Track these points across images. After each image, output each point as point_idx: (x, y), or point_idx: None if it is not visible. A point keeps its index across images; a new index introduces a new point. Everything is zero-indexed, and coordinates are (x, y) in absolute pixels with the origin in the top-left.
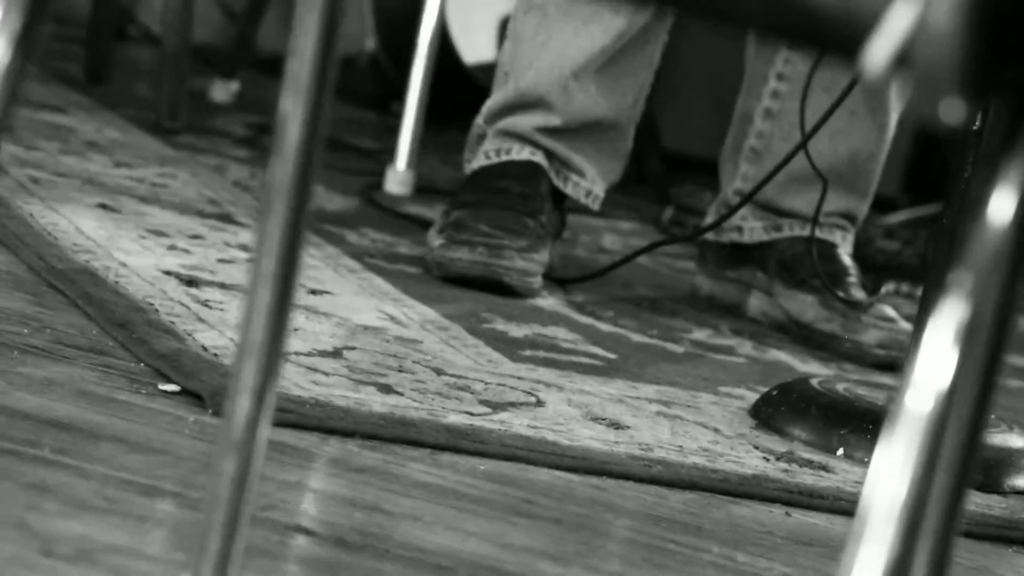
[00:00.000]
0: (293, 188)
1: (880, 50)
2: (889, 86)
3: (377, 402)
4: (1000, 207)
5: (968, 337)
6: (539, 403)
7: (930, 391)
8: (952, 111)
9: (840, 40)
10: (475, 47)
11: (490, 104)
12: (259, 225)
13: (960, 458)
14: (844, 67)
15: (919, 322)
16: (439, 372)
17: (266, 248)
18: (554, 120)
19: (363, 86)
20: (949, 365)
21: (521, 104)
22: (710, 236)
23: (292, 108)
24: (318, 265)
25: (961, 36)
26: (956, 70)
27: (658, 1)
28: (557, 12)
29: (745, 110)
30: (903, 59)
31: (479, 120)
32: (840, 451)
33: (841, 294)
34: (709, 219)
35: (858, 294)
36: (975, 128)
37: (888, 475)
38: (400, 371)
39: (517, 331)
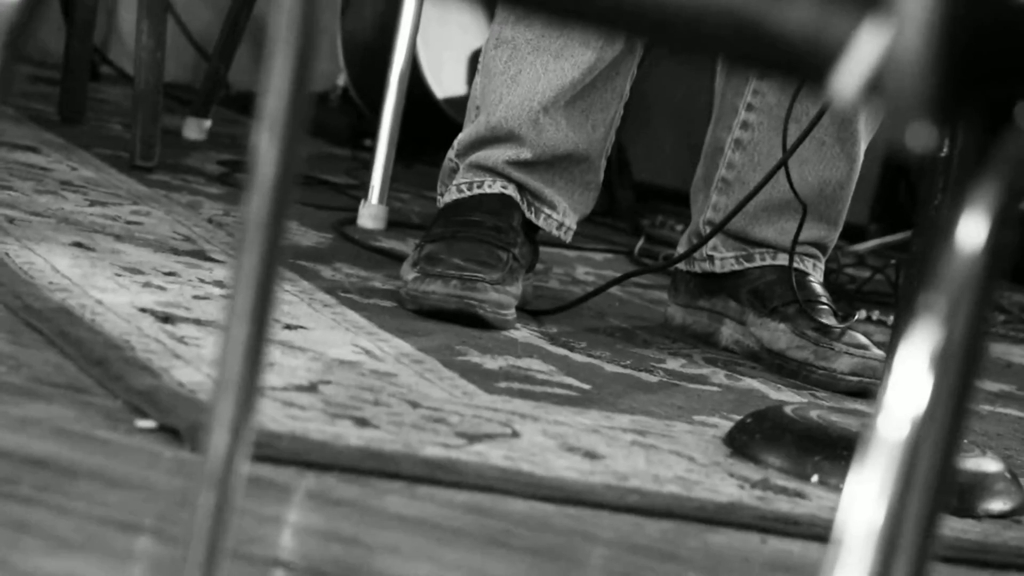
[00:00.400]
0: (269, 223)
1: (849, 76)
2: (858, 116)
3: (354, 435)
4: (970, 231)
5: (941, 362)
6: (515, 434)
7: (903, 416)
8: (921, 136)
9: (809, 67)
10: (446, 82)
11: (462, 138)
12: (235, 260)
13: (934, 482)
14: (815, 95)
15: (891, 348)
16: (415, 405)
17: (242, 283)
18: (525, 153)
19: (335, 123)
20: (922, 390)
21: (492, 138)
22: (682, 266)
23: (267, 144)
24: (293, 300)
25: (929, 62)
26: (925, 95)
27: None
28: (527, 47)
29: (716, 141)
30: (872, 85)
31: (451, 154)
32: (815, 478)
33: (814, 324)
34: (681, 249)
35: (830, 322)
36: (943, 155)
37: (863, 500)
38: (376, 404)
39: (492, 363)
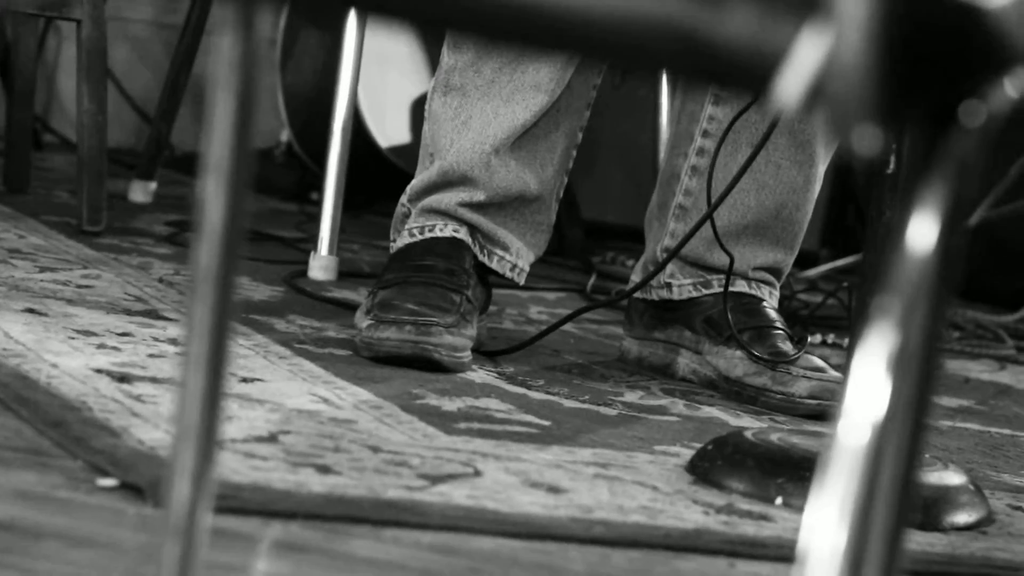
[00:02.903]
0: (219, 271)
1: (791, 84)
2: (815, 138)
3: (316, 483)
4: (920, 234)
5: (897, 367)
6: (477, 473)
7: (863, 423)
8: (866, 140)
9: (751, 76)
10: (389, 131)
11: (414, 183)
12: (188, 310)
13: (898, 492)
14: (765, 116)
15: (848, 370)
16: (375, 450)
17: (196, 332)
18: (478, 195)
19: (281, 178)
20: (880, 396)
21: (445, 182)
22: (639, 295)
23: (213, 194)
24: (248, 354)
25: (871, 64)
26: (868, 99)
27: (569, 48)
28: (477, 93)
29: (671, 168)
30: (815, 91)
31: (403, 200)
32: (779, 500)
33: (770, 349)
34: (635, 279)
35: (785, 347)
36: (890, 171)
37: (826, 518)
38: (337, 451)
39: (450, 405)
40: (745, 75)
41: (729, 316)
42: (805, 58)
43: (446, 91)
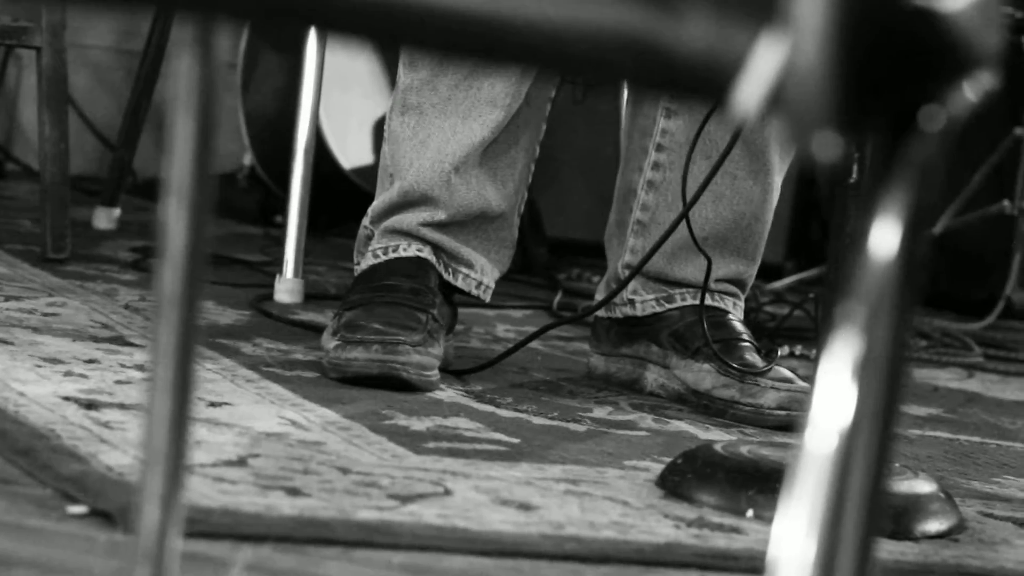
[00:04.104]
0: (183, 294)
1: (749, 92)
2: (771, 147)
3: (286, 505)
4: (882, 239)
5: (863, 373)
6: (447, 492)
7: (831, 430)
8: (826, 147)
9: (709, 85)
10: (352, 152)
11: (375, 205)
12: (153, 333)
13: (868, 501)
14: (723, 128)
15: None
16: (345, 471)
17: (162, 356)
18: (439, 215)
19: (245, 202)
20: (847, 405)
21: (406, 202)
22: (603, 313)
23: (174, 216)
24: (215, 378)
25: (829, 70)
26: (827, 105)
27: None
28: (434, 111)
29: (627, 184)
30: (774, 98)
31: (365, 221)
32: (750, 512)
33: (737, 361)
34: (599, 296)
35: (753, 359)
36: (852, 181)
37: (796, 528)
38: (306, 473)
39: (419, 424)
40: (703, 84)
41: (705, 326)
42: (763, 66)
43: (403, 110)
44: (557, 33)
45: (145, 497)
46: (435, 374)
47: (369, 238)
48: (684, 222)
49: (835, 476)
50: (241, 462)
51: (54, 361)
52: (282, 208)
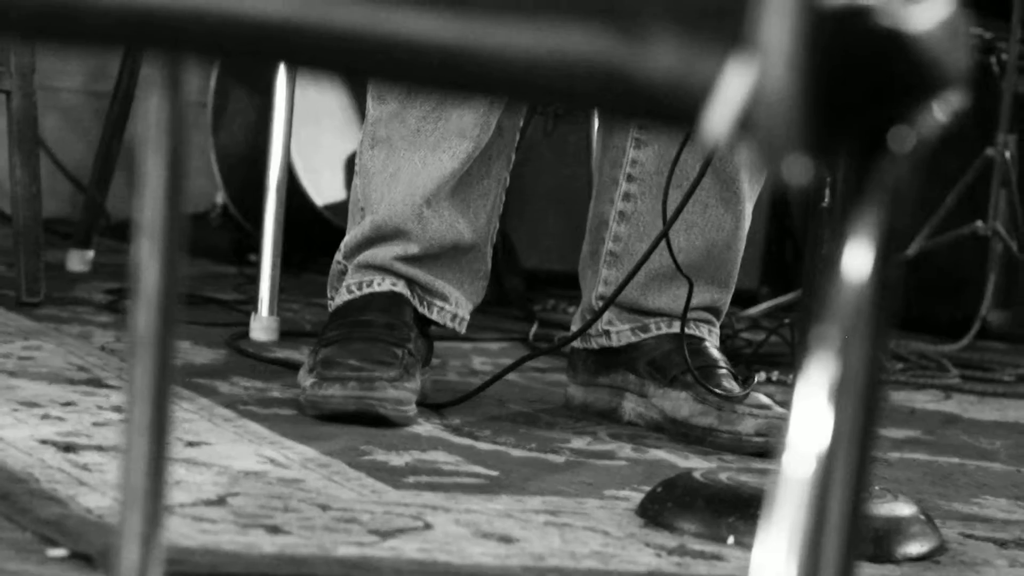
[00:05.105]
0: (158, 334)
1: (719, 118)
2: (741, 175)
3: (267, 543)
4: (855, 261)
5: (840, 397)
6: (427, 527)
7: (809, 457)
8: (797, 171)
9: (678, 112)
10: (324, 188)
11: (347, 240)
12: (129, 374)
13: (848, 524)
14: (695, 158)
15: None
16: (325, 508)
17: (138, 397)
18: (412, 248)
19: (218, 240)
20: (825, 428)
21: (378, 236)
22: (579, 344)
23: (147, 255)
24: (192, 418)
25: (798, 94)
26: (796, 129)
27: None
28: (403, 143)
29: (599, 215)
30: (744, 123)
31: (338, 257)
32: (730, 539)
33: (715, 389)
34: (575, 327)
35: (730, 385)
36: (824, 205)
37: (776, 553)
38: (286, 511)
39: (398, 459)
40: (671, 111)
41: (686, 351)
42: (732, 91)
43: (373, 143)
44: (524, 63)
45: (124, 538)
46: (412, 408)
47: (342, 273)
48: (662, 249)
49: (815, 501)
50: (220, 501)
51: (31, 405)
52: (255, 246)
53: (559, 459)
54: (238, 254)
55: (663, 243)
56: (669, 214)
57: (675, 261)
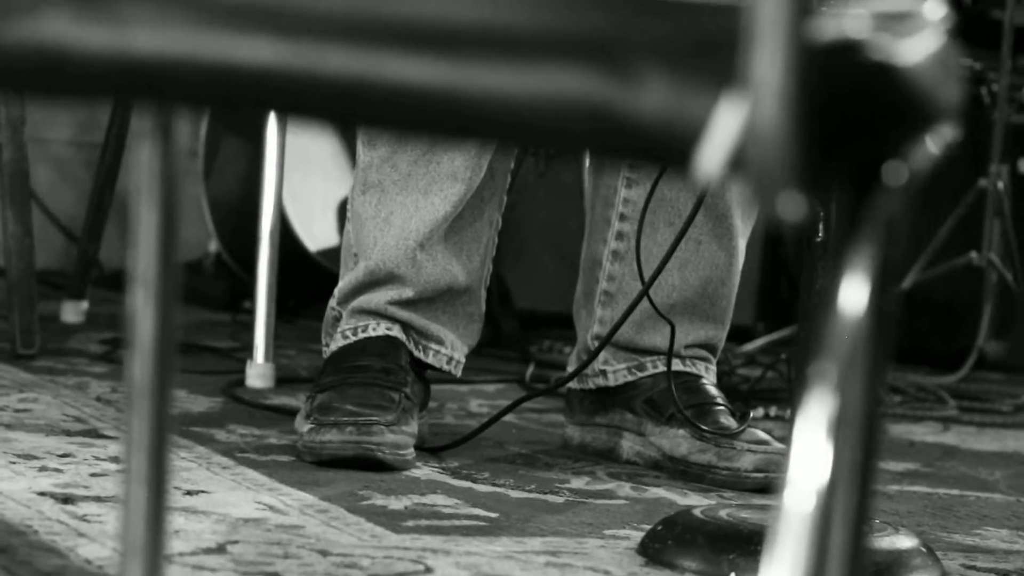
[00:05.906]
0: (154, 383)
1: (711, 156)
2: (733, 211)
3: None
4: (852, 295)
5: (839, 431)
6: (428, 570)
7: (809, 492)
8: (790, 207)
9: (671, 151)
10: (317, 234)
11: (341, 286)
12: (126, 424)
13: (849, 558)
14: (687, 193)
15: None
16: (324, 553)
17: (136, 446)
18: (407, 292)
19: (212, 288)
20: (824, 462)
21: (372, 281)
22: (575, 385)
23: (142, 304)
24: (190, 466)
25: (790, 130)
26: (789, 165)
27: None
28: (395, 188)
29: (592, 256)
30: (737, 161)
31: (332, 303)
32: (732, 575)
33: (713, 426)
34: (571, 368)
35: (728, 422)
36: (819, 239)
37: None
38: (286, 557)
39: (397, 503)
40: (664, 150)
41: (674, 391)
42: (724, 129)
43: (364, 189)
44: (514, 106)
45: None
46: (410, 452)
47: (337, 319)
48: (656, 288)
49: (815, 535)
50: (220, 549)
51: (28, 457)
52: (250, 293)
53: (558, 499)
54: (232, 302)
55: (659, 280)
56: (662, 252)
57: (655, 307)
